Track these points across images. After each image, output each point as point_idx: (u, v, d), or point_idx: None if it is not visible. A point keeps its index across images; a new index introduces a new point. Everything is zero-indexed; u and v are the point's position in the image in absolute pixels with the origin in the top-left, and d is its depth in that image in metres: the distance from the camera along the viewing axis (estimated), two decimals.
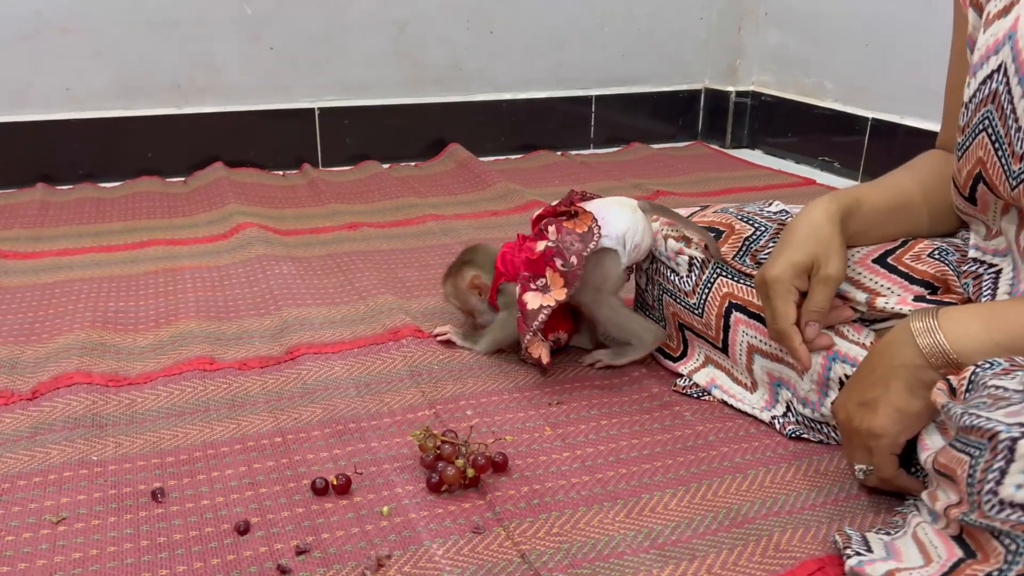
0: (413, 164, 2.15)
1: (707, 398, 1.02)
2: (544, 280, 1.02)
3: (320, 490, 0.82)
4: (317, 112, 2.09)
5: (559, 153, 2.28)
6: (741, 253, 1.00)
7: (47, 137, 1.89)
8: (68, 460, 0.87)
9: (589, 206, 1.05)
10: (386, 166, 2.11)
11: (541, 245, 1.02)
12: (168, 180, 1.97)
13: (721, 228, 1.03)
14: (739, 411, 0.99)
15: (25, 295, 1.29)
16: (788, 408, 0.96)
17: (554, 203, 1.08)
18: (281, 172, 2.06)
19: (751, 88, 2.35)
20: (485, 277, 1.11)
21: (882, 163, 1.95)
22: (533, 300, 1.02)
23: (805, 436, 0.94)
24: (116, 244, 1.53)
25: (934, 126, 1.82)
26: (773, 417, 0.96)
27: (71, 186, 1.91)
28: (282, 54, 2.03)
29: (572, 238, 1.01)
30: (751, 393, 1.00)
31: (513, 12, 2.19)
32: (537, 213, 1.09)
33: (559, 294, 1.01)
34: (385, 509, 0.80)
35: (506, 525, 0.78)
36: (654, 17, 2.32)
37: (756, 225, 1.01)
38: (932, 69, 1.85)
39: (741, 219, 1.03)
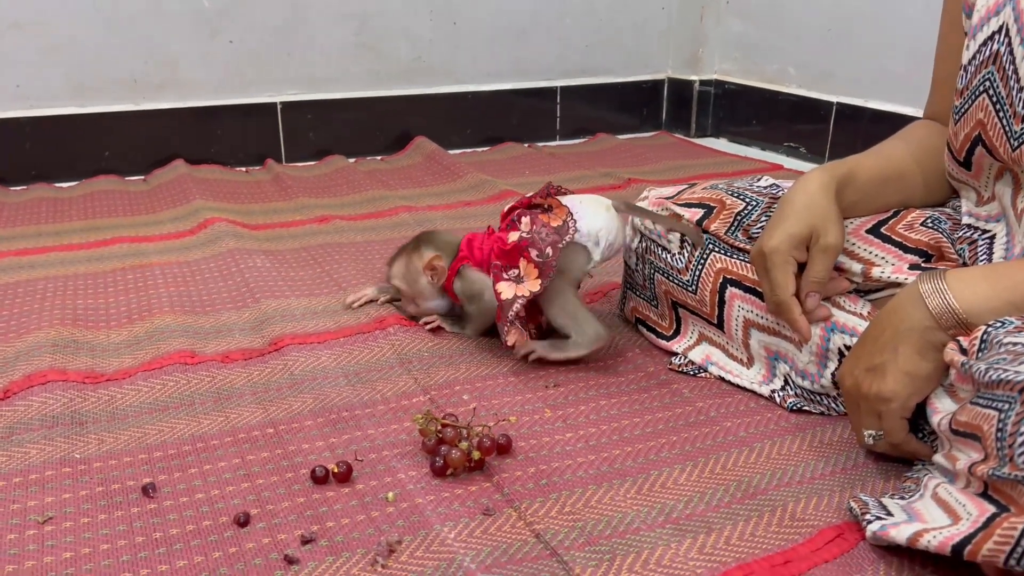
0: (379, 158, 2.12)
1: (703, 375, 1.01)
2: (517, 271, 1.00)
3: (320, 479, 0.79)
4: (279, 107, 2.04)
5: (526, 145, 2.26)
6: (733, 228, 0.99)
7: None
8: (49, 459, 0.83)
9: (563, 201, 1.04)
10: (352, 160, 2.07)
11: (514, 236, 1.01)
12: (127, 179, 1.91)
13: (712, 204, 1.02)
14: (737, 386, 0.98)
15: None
16: (786, 381, 0.95)
17: (529, 195, 1.06)
18: (244, 168, 2.01)
19: (714, 77, 2.36)
20: (445, 260, 1.08)
21: (848, 147, 1.98)
22: (507, 290, 1.00)
23: (806, 408, 0.93)
24: (78, 243, 1.47)
25: (899, 109, 1.87)
26: (772, 391, 0.96)
27: (25, 187, 1.84)
28: (241, 48, 1.98)
29: (547, 230, 1.00)
30: (747, 368, 0.99)
31: (476, 3, 2.17)
32: (509, 206, 1.08)
33: (533, 285, 0.99)
34: (390, 495, 0.77)
35: (516, 506, 0.76)
36: (615, 8, 2.32)
37: (747, 200, 1.01)
38: (895, 52, 1.88)
39: (731, 194, 1.02)
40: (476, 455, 0.80)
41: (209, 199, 1.69)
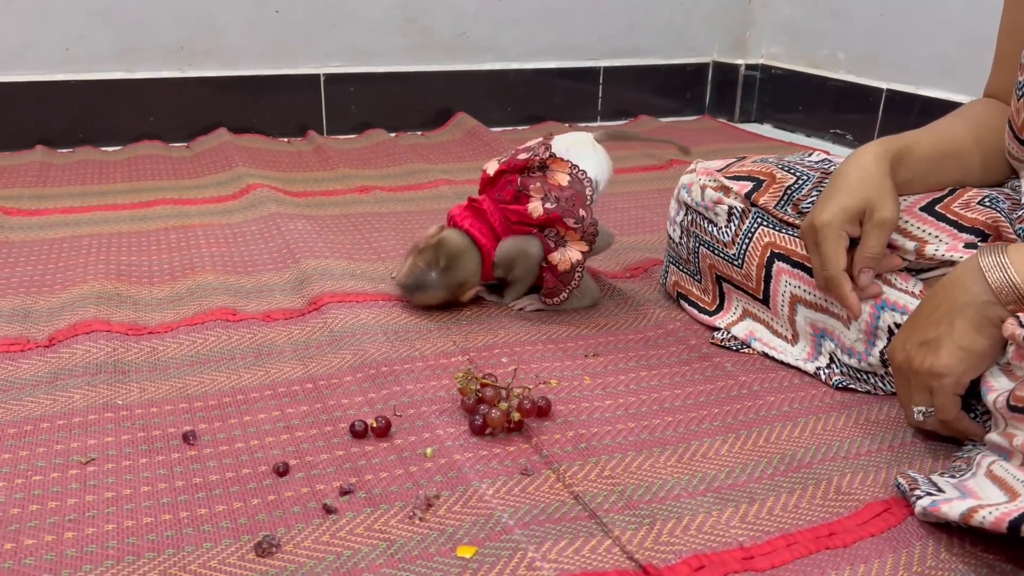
0: (419, 133, 2.11)
1: (746, 351, 1.00)
2: (554, 231, 1.01)
3: (359, 433, 0.79)
4: (322, 78, 2.04)
5: (567, 125, 2.24)
6: (783, 202, 0.97)
7: (45, 98, 1.84)
8: (92, 404, 0.83)
9: (556, 153, 1.05)
10: (393, 134, 2.07)
11: (536, 207, 1.00)
12: (170, 145, 1.92)
13: (761, 177, 1.00)
14: (781, 362, 0.97)
15: (33, 249, 1.25)
16: (832, 359, 0.93)
17: (522, 156, 1.05)
18: (286, 139, 2.01)
19: (760, 61, 2.33)
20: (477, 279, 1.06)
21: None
22: (562, 259, 1.00)
23: (852, 387, 0.91)
24: (122, 203, 1.48)
25: (952, 96, 1.83)
26: (817, 368, 0.94)
27: (71, 149, 1.86)
28: (287, 17, 1.98)
29: (567, 194, 1.01)
30: (792, 345, 0.97)
31: None
32: (495, 170, 1.06)
33: (580, 246, 1.01)
34: (428, 451, 0.77)
35: (555, 468, 0.75)
36: None
37: (798, 174, 0.99)
38: (949, 37, 1.84)
39: (782, 168, 1.00)
40: (516, 416, 0.79)
41: (251, 166, 1.70)
